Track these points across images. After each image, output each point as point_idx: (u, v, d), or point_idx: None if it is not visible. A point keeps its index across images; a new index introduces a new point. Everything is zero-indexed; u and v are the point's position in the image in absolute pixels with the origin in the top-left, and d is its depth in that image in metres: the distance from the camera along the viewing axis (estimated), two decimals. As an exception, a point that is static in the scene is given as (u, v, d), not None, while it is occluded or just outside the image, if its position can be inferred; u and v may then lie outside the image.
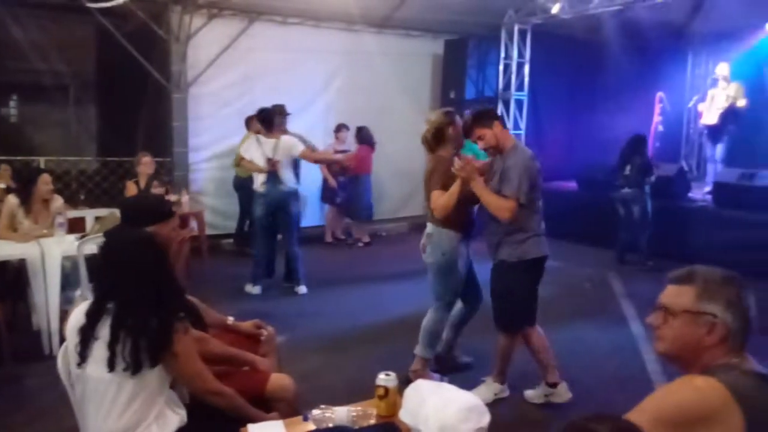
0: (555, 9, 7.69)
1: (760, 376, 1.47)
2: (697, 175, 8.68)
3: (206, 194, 7.63)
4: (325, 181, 7.88)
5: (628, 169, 6.70)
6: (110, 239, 2.11)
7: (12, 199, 4.61)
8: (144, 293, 1.97)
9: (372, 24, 8.25)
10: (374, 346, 4.46)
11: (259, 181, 5.65)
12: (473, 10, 7.95)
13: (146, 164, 6.02)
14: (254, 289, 5.73)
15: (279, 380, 2.40)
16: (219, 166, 7.50)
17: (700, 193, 7.72)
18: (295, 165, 5.90)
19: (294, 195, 5.65)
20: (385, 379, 2.03)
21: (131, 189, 5.92)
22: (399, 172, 9.09)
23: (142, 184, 5.96)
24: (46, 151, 7.11)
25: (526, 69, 8.82)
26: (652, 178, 6.75)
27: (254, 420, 2.04)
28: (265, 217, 5.70)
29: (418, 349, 3.73)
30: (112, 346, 1.91)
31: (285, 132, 5.95)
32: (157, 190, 5.89)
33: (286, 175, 5.58)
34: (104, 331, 1.93)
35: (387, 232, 9.03)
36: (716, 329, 1.49)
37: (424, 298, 5.44)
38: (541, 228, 3.39)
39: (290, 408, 2.30)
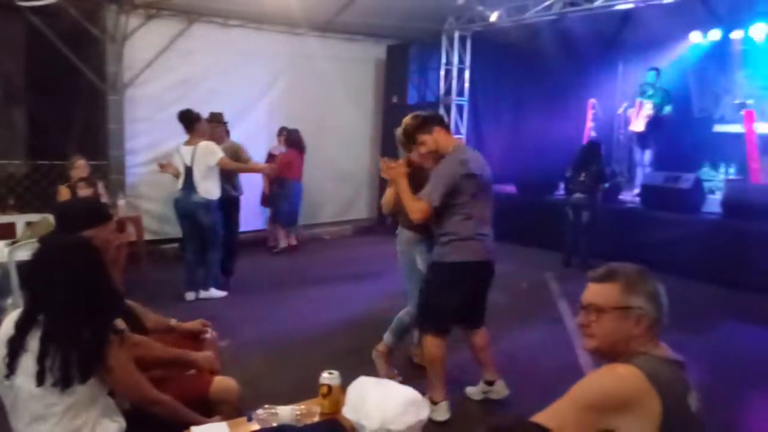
0: (493, 17, 7.92)
1: (675, 362, 1.60)
2: (627, 178, 9.07)
3: (145, 198, 7.37)
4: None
5: (583, 176, 6.81)
6: (42, 245, 2.04)
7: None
8: (75, 302, 1.89)
9: (315, 27, 8.25)
10: (317, 348, 4.47)
11: (178, 186, 5.60)
12: (415, 16, 8.08)
13: (80, 168, 5.82)
14: (192, 295, 5.64)
15: (223, 382, 2.39)
16: (158, 170, 7.29)
17: (630, 195, 8.09)
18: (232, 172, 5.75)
19: (205, 206, 5.44)
20: (329, 377, 2.07)
21: (64, 193, 5.70)
22: (341, 175, 9.12)
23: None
24: (-29, 154, 6.78)
25: (467, 75, 9.02)
26: (606, 185, 6.99)
27: (196, 425, 2.03)
28: (181, 223, 5.68)
29: (386, 335, 3.89)
30: (41, 360, 1.83)
31: (224, 140, 5.87)
32: (84, 191, 5.62)
33: (202, 185, 5.41)
34: (34, 343, 1.86)
35: (330, 236, 9.04)
36: (642, 320, 1.60)
37: (366, 301, 5.49)
38: (471, 233, 3.29)
39: (233, 410, 2.29)
